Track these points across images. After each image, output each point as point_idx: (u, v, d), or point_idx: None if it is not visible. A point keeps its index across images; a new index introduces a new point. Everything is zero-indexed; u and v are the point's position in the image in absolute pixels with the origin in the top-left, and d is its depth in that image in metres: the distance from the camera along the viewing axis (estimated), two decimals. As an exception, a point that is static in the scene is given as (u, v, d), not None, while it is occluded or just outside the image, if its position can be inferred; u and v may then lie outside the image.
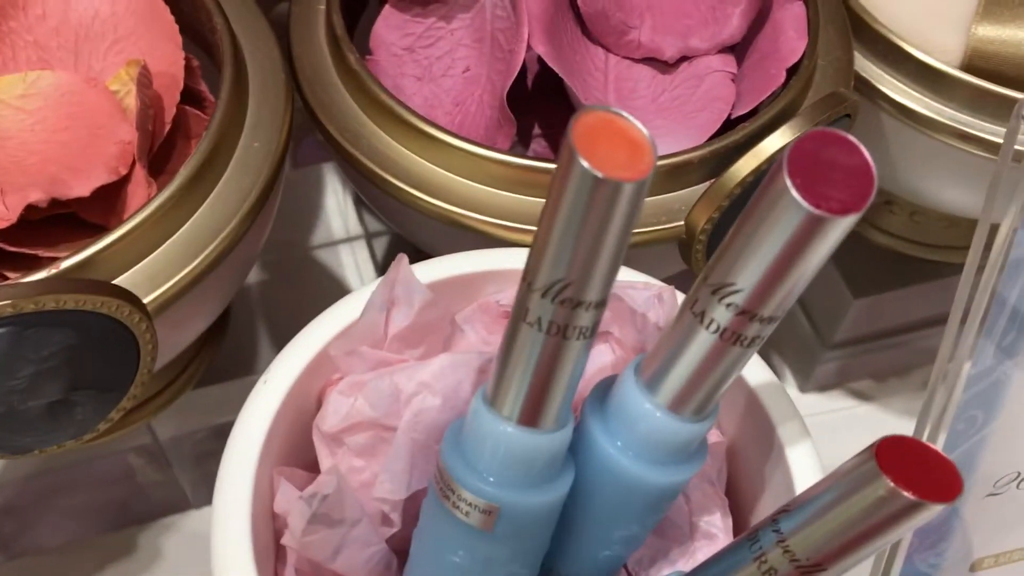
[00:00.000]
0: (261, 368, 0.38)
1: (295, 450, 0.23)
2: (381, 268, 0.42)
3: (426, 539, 0.21)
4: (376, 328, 0.23)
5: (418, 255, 0.26)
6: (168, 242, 0.24)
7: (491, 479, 0.19)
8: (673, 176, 0.27)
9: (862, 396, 0.45)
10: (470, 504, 0.19)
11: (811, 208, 0.17)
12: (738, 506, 0.25)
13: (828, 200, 0.17)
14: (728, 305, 0.18)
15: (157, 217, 0.24)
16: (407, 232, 0.31)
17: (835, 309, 0.42)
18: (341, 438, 0.22)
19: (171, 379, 0.33)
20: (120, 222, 0.24)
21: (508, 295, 0.25)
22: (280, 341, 0.40)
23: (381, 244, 0.44)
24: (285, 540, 0.21)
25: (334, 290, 0.43)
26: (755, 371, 0.24)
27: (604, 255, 0.18)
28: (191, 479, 0.39)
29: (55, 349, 0.21)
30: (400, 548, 0.22)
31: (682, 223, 0.27)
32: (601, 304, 0.18)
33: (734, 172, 0.26)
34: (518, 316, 0.18)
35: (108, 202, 0.26)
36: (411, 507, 0.22)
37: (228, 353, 0.38)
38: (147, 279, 0.24)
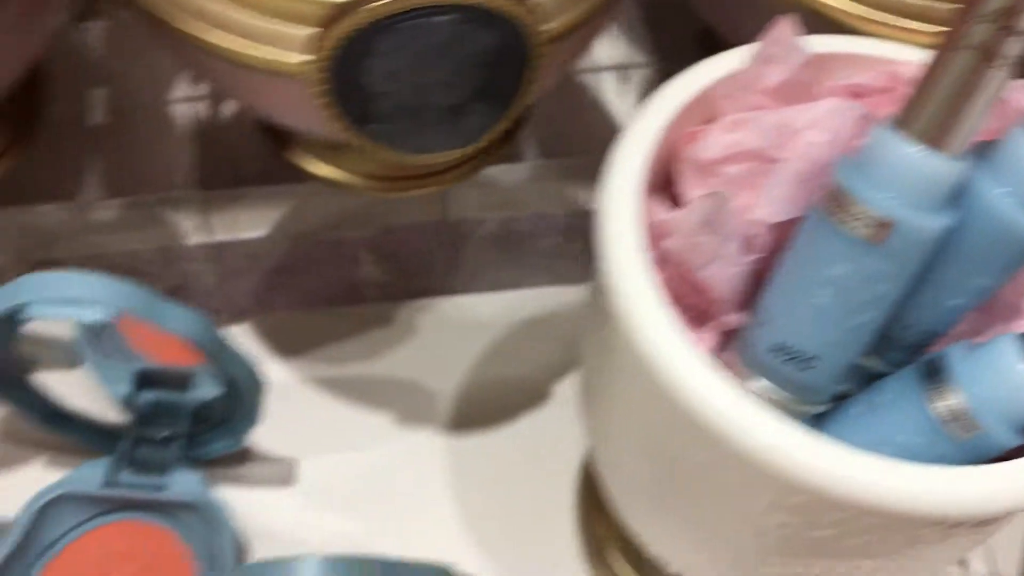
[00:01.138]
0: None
1: (655, 184, 0.25)
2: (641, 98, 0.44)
3: (801, 258, 0.22)
4: (756, 79, 0.25)
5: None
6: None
7: (890, 195, 0.21)
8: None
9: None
10: (863, 218, 0.21)
11: None
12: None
13: None
14: None
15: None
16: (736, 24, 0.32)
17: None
18: (717, 169, 0.24)
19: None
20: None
21: (861, 78, 0.26)
22: (543, 149, 0.42)
23: (640, 76, 0.46)
24: (669, 243, 0.23)
25: (596, 114, 0.45)
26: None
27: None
28: (466, 264, 0.42)
29: (478, 50, 0.24)
30: (753, 280, 0.25)
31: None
32: (1036, 37, 0.19)
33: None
34: (952, 40, 0.20)
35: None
36: (777, 236, 0.24)
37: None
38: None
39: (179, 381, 0.38)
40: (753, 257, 0.24)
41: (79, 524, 0.36)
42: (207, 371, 0.37)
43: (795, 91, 0.25)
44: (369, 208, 0.40)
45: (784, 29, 0.25)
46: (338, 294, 0.42)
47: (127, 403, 0.38)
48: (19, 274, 0.31)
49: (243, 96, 0.29)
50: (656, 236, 0.24)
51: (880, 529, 0.22)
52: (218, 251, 0.40)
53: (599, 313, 0.25)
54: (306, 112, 0.25)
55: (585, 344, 0.29)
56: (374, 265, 0.42)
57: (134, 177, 0.41)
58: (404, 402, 0.41)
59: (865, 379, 0.25)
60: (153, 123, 0.43)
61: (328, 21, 0.23)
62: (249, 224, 0.40)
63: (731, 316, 0.25)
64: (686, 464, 0.24)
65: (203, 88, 0.43)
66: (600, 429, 0.29)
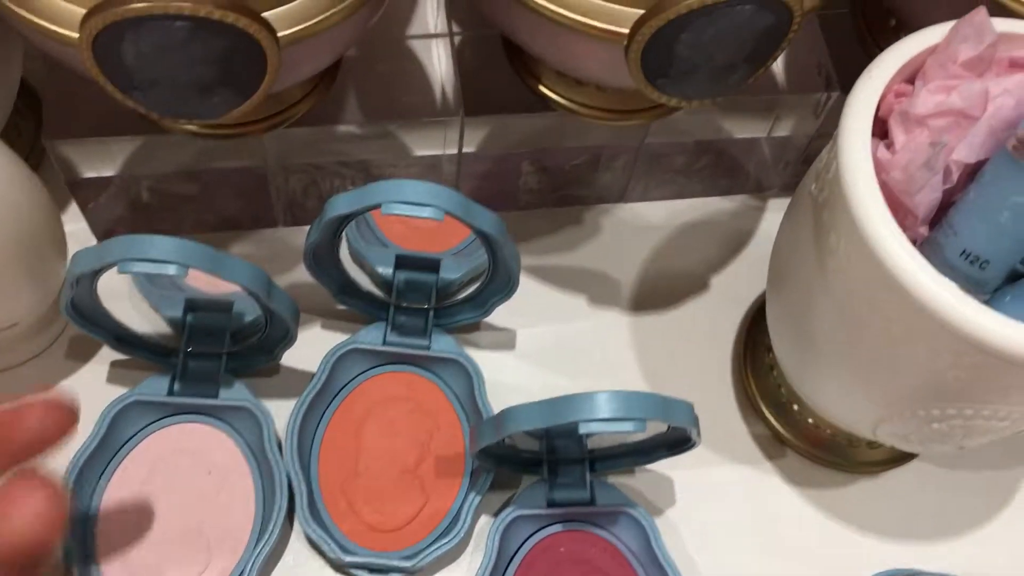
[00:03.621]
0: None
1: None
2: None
3: (988, 189, 0.32)
4: (954, 53, 0.34)
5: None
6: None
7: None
8: None
9: None
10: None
11: None
12: None
13: None
14: None
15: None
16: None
17: None
18: (926, 121, 0.33)
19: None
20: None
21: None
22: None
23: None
24: (892, 175, 0.32)
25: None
26: None
27: None
28: (633, 177, 0.51)
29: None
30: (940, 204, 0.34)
31: None
32: None
33: None
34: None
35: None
36: (966, 173, 0.33)
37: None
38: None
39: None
40: (947, 187, 0.33)
41: (364, 371, 0.46)
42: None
43: (985, 65, 0.34)
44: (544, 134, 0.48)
45: (979, 13, 0.33)
46: (533, 200, 0.52)
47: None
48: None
49: (562, 55, 0.37)
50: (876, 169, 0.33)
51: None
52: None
53: (822, 211, 0.34)
54: (614, 69, 0.34)
55: (790, 240, 0.39)
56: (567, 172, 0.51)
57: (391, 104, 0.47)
58: (596, 287, 0.51)
59: (1015, 277, 0.35)
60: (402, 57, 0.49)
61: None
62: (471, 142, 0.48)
63: (921, 229, 0.35)
64: (880, 327, 0.33)
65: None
66: (794, 305, 0.39)
